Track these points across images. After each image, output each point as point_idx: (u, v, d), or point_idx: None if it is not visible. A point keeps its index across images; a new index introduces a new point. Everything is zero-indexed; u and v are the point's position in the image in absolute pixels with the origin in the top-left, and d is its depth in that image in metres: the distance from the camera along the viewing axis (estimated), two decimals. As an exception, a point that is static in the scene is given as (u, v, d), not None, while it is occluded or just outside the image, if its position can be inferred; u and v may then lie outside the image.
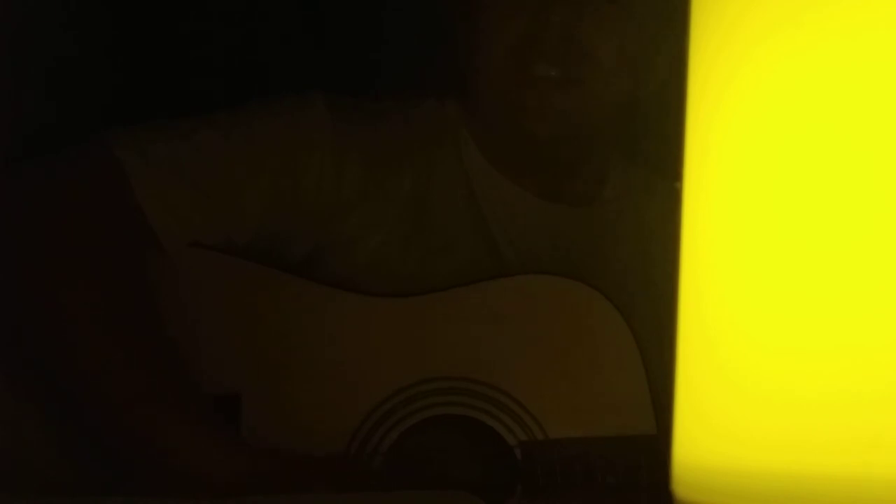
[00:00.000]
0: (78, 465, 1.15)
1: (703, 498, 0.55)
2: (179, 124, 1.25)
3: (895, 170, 0.50)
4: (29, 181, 1.21)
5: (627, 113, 1.32)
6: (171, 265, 1.21)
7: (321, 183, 1.26)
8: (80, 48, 1.50)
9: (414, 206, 1.30)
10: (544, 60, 1.25)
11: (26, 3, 1.38)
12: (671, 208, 0.61)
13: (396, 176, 1.30)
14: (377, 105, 1.34)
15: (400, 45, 1.56)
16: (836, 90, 0.52)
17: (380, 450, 1.19)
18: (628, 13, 1.26)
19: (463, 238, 1.31)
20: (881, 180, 0.51)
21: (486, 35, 1.29)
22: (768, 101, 0.54)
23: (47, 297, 1.15)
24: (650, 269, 1.24)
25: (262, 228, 1.25)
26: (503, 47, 1.26)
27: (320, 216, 1.27)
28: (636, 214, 1.35)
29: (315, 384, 1.21)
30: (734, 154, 0.55)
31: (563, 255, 1.32)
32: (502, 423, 1.20)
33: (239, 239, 1.24)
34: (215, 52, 1.61)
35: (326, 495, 1.11)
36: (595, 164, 1.37)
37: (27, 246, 1.17)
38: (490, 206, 1.33)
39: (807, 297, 0.52)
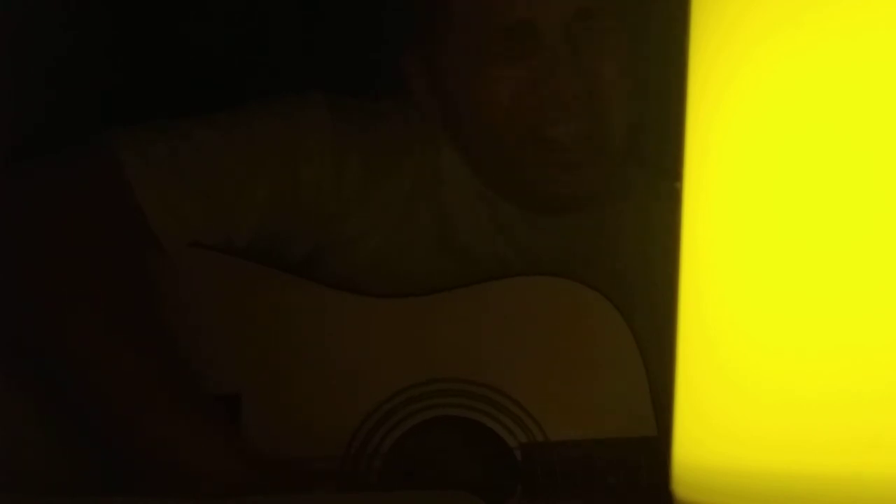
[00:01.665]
0: (78, 465, 1.15)
1: (703, 498, 0.55)
2: (179, 124, 1.25)
3: (895, 170, 0.50)
4: (29, 181, 1.21)
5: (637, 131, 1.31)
6: (171, 265, 1.21)
7: (321, 183, 1.26)
8: (80, 48, 1.50)
9: (414, 206, 1.30)
10: (555, 121, 1.24)
11: (26, 3, 1.38)
12: (671, 208, 0.61)
13: (397, 176, 1.30)
14: (377, 105, 1.33)
15: (400, 45, 1.56)
16: (837, 90, 0.52)
17: (380, 450, 1.19)
18: (623, 26, 1.25)
19: (464, 238, 1.31)
20: (881, 180, 0.51)
21: (485, 93, 1.26)
22: (768, 101, 0.54)
23: (47, 298, 1.15)
24: (650, 269, 1.24)
25: (262, 228, 1.25)
26: (505, 106, 1.24)
27: (320, 216, 1.27)
28: (637, 215, 1.35)
29: (315, 384, 1.21)
30: (734, 154, 0.55)
31: (564, 256, 1.32)
32: (502, 424, 1.20)
33: (239, 239, 1.24)
34: (215, 53, 1.61)
35: (326, 495, 1.11)
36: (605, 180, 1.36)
37: (27, 246, 1.17)
38: (479, 215, 1.32)
39: (807, 298, 0.52)
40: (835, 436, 0.51)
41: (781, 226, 0.53)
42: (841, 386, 0.51)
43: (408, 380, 1.21)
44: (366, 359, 1.22)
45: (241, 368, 1.20)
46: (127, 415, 1.12)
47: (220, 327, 1.21)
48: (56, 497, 1.09)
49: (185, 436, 1.12)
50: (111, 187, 1.20)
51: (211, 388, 1.17)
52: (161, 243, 1.20)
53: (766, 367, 0.53)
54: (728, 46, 0.55)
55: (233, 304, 1.22)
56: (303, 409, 1.20)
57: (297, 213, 1.26)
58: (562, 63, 1.22)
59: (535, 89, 1.23)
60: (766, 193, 0.54)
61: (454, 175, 1.32)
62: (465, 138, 1.30)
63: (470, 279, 1.25)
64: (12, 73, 1.34)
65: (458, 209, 1.31)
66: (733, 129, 0.55)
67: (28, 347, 1.15)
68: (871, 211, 0.51)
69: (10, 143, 1.30)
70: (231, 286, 1.23)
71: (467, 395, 1.21)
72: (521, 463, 1.20)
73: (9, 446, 1.13)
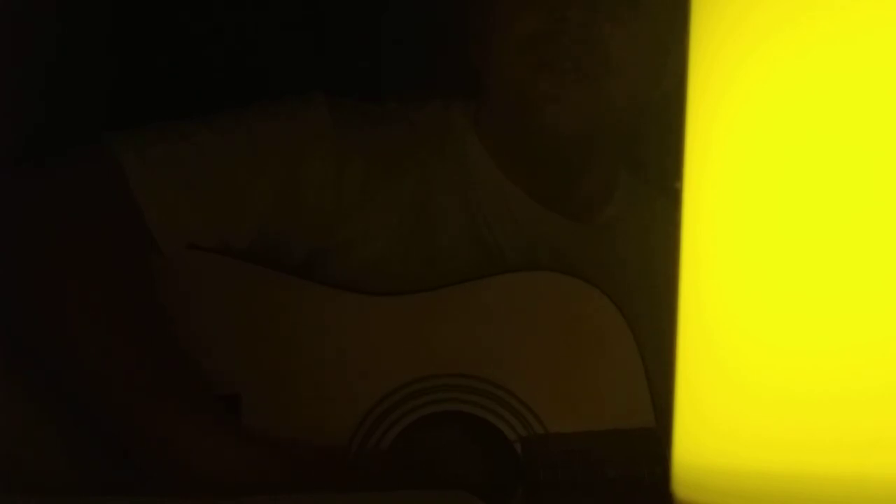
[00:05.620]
0: (79, 465, 1.15)
1: (703, 498, 0.55)
2: (180, 126, 1.25)
3: (895, 170, 0.50)
4: (30, 182, 1.21)
5: (636, 119, 1.31)
6: (172, 266, 1.21)
7: (322, 185, 1.26)
8: (80, 48, 1.50)
9: (415, 209, 1.30)
10: (559, 54, 1.24)
11: (26, 3, 1.38)
12: (671, 209, 0.61)
13: (398, 179, 1.30)
14: (379, 108, 1.34)
15: (400, 46, 1.56)
16: (837, 90, 0.52)
17: (380, 448, 1.19)
18: (643, 16, 1.25)
19: (463, 242, 1.31)
20: (881, 180, 0.51)
21: (500, 29, 1.28)
22: (768, 102, 0.54)
23: (48, 299, 1.15)
24: (650, 270, 1.24)
25: (262, 231, 1.25)
26: (517, 42, 1.26)
27: (321, 219, 1.27)
28: (639, 231, 1.35)
29: (315, 384, 1.21)
30: (734, 155, 0.55)
31: (563, 260, 1.32)
32: (502, 418, 1.21)
33: (238, 241, 1.24)
34: (215, 53, 1.61)
35: (326, 495, 1.11)
36: (602, 175, 1.37)
37: (28, 247, 1.17)
38: (493, 211, 1.33)
39: (807, 297, 0.52)
40: (835, 436, 0.51)
41: (781, 226, 0.53)
42: (841, 386, 0.51)
43: (407, 377, 1.21)
44: (365, 357, 1.22)
45: (240, 369, 1.20)
46: (129, 415, 1.12)
47: (219, 327, 1.21)
48: (56, 497, 1.09)
49: (187, 434, 1.12)
50: (111, 189, 1.20)
51: (211, 388, 1.17)
52: (160, 245, 1.20)
53: (766, 366, 0.53)
54: (728, 46, 0.56)
55: (233, 305, 1.22)
56: (303, 409, 1.20)
57: (297, 215, 1.26)
58: (577, 27, 1.23)
59: (545, 38, 1.24)
60: (766, 193, 0.54)
61: (474, 176, 1.32)
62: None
63: (482, 273, 1.25)
64: (12, 73, 1.34)
65: (462, 213, 1.32)
66: (733, 129, 0.55)
67: (29, 348, 1.15)
68: (870, 211, 0.51)
69: (10, 143, 1.30)
70: (231, 286, 1.23)
71: (467, 391, 1.21)
72: (522, 456, 1.20)
73: (9, 446, 1.13)
